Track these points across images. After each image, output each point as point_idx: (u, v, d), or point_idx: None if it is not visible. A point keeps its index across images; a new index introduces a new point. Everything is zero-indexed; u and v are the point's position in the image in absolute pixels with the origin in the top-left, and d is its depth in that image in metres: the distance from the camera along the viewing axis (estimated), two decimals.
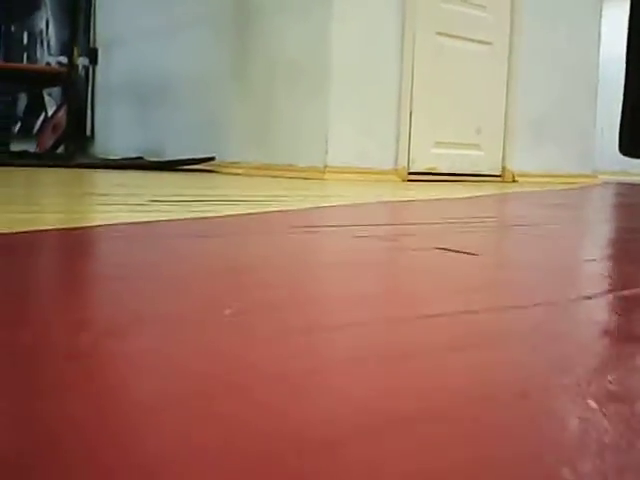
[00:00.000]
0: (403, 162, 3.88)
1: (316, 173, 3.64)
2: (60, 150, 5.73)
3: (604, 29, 4.95)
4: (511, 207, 2.08)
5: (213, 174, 4.05)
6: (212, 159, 4.28)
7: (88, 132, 5.86)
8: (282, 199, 1.79)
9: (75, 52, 4.28)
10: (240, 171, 4.09)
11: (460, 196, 2.37)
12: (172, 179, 3.09)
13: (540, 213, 1.78)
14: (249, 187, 2.67)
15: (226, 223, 1.13)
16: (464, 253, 0.87)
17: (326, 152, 3.65)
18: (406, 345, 0.45)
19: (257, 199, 1.76)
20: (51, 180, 2.73)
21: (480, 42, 4.15)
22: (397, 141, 3.86)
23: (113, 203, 1.39)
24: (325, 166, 3.64)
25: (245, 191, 2.34)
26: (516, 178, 4.36)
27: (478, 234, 1.16)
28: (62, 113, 5.94)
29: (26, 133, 6.57)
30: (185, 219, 1.11)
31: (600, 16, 4.89)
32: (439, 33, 3.97)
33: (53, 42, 6.41)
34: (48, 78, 4.79)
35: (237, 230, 1.06)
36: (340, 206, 1.63)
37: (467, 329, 0.51)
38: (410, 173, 3.92)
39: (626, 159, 2.21)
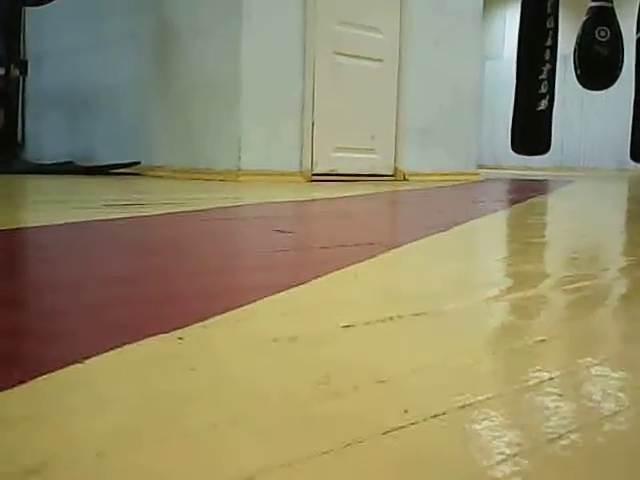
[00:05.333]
0: (307, 165, 4.48)
1: (231, 175, 4.20)
2: None
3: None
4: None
5: (139, 177, 4.56)
6: (138, 163, 4.79)
7: (19, 139, 6.25)
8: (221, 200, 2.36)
9: (12, 67, 4.71)
10: (163, 174, 4.61)
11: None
12: (106, 183, 3.60)
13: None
14: (174, 191, 3.22)
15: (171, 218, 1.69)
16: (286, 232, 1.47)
17: (239, 157, 4.21)
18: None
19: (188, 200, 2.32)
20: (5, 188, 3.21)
21: (372, 59, 4.80)
22: (301, 147, 4.46)
23: (76, 207, 1.93)
24: (239, 169, 4.21)
25: (170, 194, 2.89)
26: (407, 177, 5.02)
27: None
28: None
29: None
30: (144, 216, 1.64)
31: (481, 33, 5.61)
32: (336, 52, 4.59)
33: None
34: None
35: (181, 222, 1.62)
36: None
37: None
38: (314, 174, 4.52)
39: None
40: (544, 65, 7.26)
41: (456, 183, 4.85)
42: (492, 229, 1.68)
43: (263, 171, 4.27)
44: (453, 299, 0.77)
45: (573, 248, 1.43)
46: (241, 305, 0.67)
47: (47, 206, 2.00)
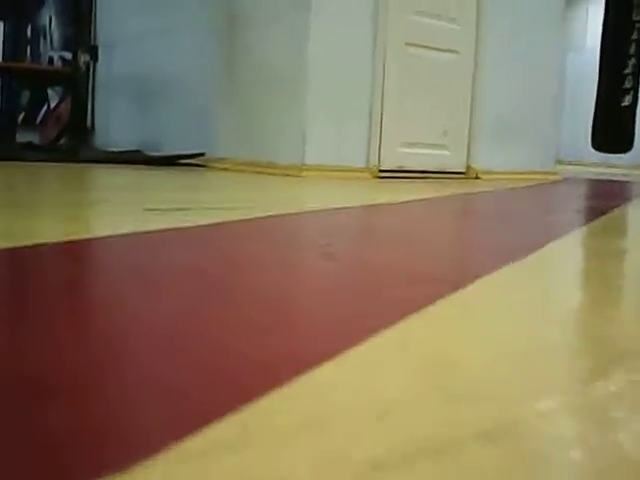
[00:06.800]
0: (374, 161, 4.30)
1: (295, 170, 4.06)
2: (63, 140, 6.15)
3: None
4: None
5: (203, 169, 4.48)
6: (202, 155, 4.71)
7: (88, 124, 6.27)
8: (254, 205, 2.22)
9: (80, 54, 4.67)
10: (227, 166, 4.51)
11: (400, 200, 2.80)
12: (167, 178, 3.52)
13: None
14: (232, 189, 3.10)
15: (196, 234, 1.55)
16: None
17: (304, 152, 4.07)
18: None
19: (233, 205, 2.19)
20: (57, 183, 3.16)
21: (447, 51, 4.57)
22: (369, 142, 4.28)
23: (112, 213, 1.82)
24: (303, 164, 4.07)
25: (225, 194, 2.77)
26: (479, 175, 4.79)
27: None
28: (64, 105, 6.35)
29: (30, 123, 6.96)
30: (169, 229, 1.51)
31: (563, 25, 5.31)
32: (408, 43, 4.38)
33: (56, 37, 6.80)
34: (53, 77, 5.19)
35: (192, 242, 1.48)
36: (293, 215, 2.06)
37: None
38: (381, 170, 4.34)
39: None
40: (629, 59, 6.87)
41: (532, 183, 4.59)
42: (575, 260, 1.47)
43: (328, 166, 4.12)
44: (539, 401, 0.59)
45: None
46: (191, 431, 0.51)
47: (87, 210, 1.89)
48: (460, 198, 3.20)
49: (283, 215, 1.86)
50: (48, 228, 1.42)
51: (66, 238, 1.27)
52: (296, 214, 1.94)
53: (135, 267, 1.09)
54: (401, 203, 2.56)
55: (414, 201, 2.66)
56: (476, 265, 1.28)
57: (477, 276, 1.11)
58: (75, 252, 1.19)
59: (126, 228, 1.42)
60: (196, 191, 2.75)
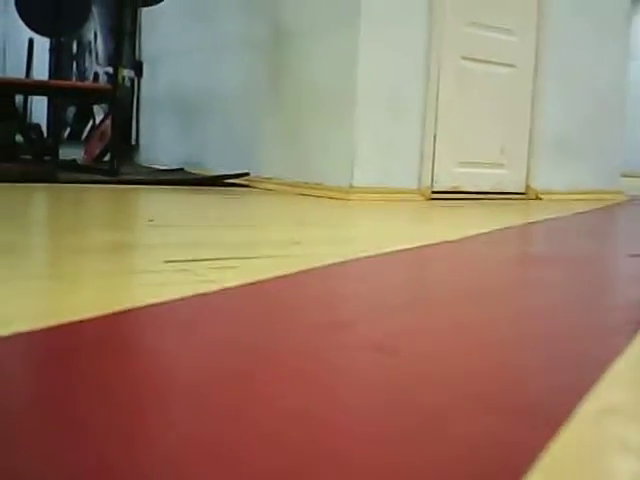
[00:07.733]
0: (427, 182, 4.06)
1: (342, 193, 3.84)
2: (107, 158, 6.04)
3: None
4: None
5: (247, 189, 4.29)
6: (247, 174, 4.52)
7: (133, 140, 6.16)
8: (296, 251, 2.01)
9: (120, 70, 4.54)
10: (272, 187, 4.31)
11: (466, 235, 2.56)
12: (205, 206, 3.33)
13: None
14: (273, 222, 2.90)
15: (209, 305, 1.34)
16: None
17: (352, 173, 3.85)
18: None
19: (270, 253, 1.99)
20: (84, 215, 3.00)
21: (504, 65, 4.30)
22: (421, 161, 4.04)
23: (124, 271, 1.61)
24: (351, 186, 3.84)
25: (265, 230, 2.57)
26: (540, 196, 4.50)
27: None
28: (109, 121, 6.24)
29: (75, 139, 6.89)
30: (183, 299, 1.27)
31: (627, 34, 4.99)
32: (463, 57, 4.13)
33: (101, 53, 6.72)
34: (96, 94, 5.08)
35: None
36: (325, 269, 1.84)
37: None
38: (434, 192, 4.09)
39: None
40: None
41: (597, 206, 4.29)
42: None
43: (377, 189, 3.89)
44: None
45: None
46: None
47: (97, 264, 1.70)
48: (531, 230, 2.93)
49: (325, 268, 1.63)
50: (31, 300, 1.21)
51: (43, 323, 1.04)
52: (342, 265, 1.71)
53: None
54: (465, 240, 2.31)
55: (479, 236, 2.41)
56: (569, 371, 1.02)
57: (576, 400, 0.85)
58: (44, 347, 0.98)
59: (131, 298, 1.21)
60: (232, 227, 2.54)
